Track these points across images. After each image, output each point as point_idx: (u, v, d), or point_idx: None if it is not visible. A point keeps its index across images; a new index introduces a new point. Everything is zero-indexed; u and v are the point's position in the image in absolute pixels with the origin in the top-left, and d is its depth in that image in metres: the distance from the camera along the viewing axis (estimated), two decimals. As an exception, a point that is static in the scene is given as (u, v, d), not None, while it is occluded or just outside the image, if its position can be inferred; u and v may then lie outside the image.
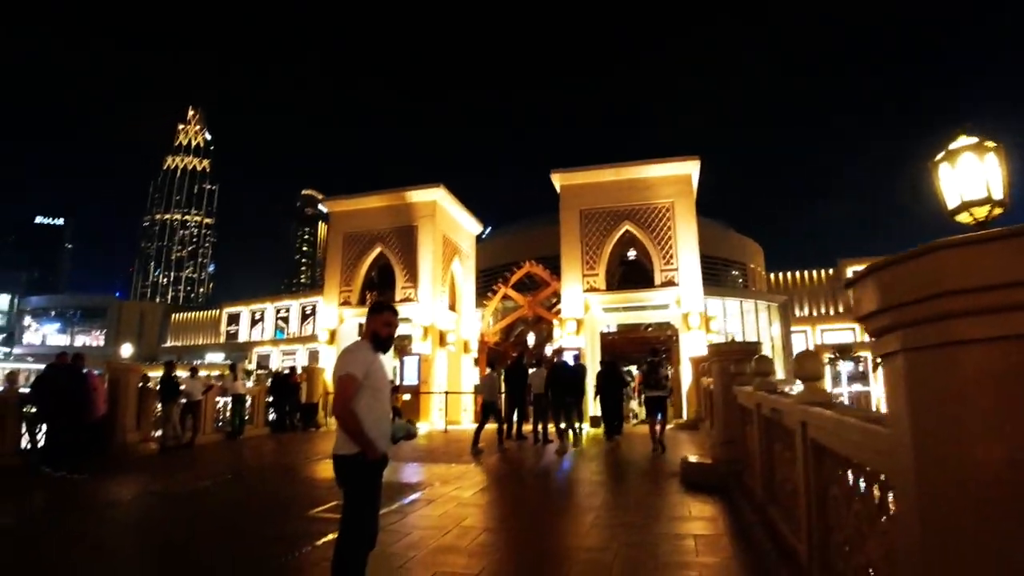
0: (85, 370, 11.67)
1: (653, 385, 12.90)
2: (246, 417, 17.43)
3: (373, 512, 3.90)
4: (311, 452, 14.09)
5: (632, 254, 21.96)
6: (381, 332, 4.06)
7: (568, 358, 18.10)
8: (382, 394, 3.97)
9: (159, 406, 14.75)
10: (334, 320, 23.09)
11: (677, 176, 21.24)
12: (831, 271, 53.77)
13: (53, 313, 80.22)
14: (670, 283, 20.41)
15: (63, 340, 72.13)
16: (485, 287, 27.23)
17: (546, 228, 33.82)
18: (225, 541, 6.61)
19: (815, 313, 51.47)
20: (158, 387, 14.71)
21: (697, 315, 19.91)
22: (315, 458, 13.05)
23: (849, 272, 52.52)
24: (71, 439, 10.59)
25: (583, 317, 20.55)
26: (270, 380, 20.28)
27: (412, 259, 22.34)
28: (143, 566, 5.80)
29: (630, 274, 22.14)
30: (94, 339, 74.22)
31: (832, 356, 41.65)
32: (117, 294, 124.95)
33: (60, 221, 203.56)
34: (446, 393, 20.46)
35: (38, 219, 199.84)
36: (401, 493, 8.68)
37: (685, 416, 18.84)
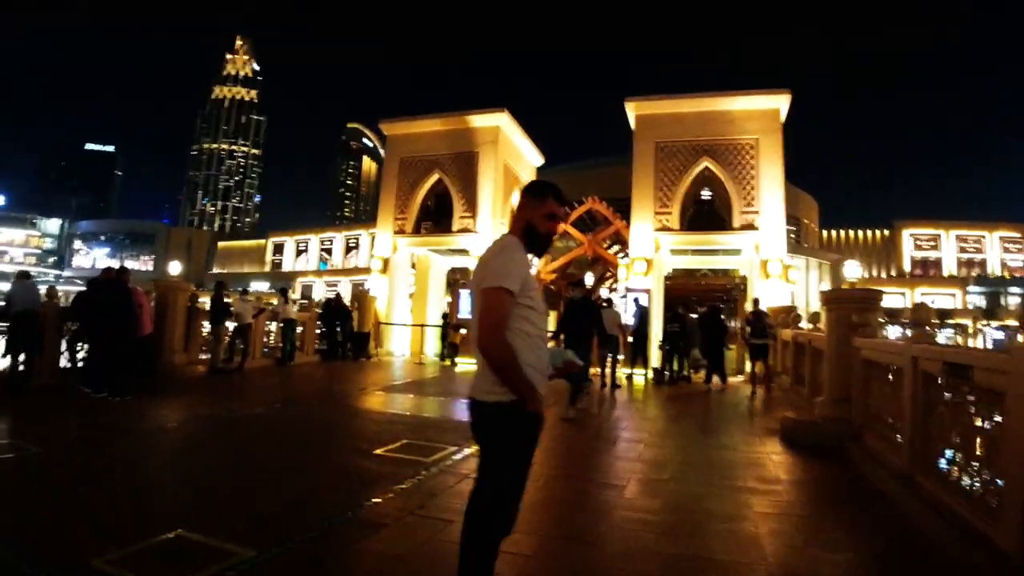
0: (132, 287, 10.77)
1: (760, 333, 13.08)
2: (296, 344, 16.68)
3: (519, 485, 2.70)
4: (365, 382, 13.20)
5: (707, 194, 20.30)
6: (540, 227, 2.82)
7: (629, 300, 17.00)
8: (541, 316, 2.75)
9: (208, 327, 14.00)
10: (388, 249, 22.00)
11: (763, 111, 19.38)
12: (886, 232, 51.30)
13: (103, 237, 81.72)
14: (749, 227, 18.81)
15: (112, 264, 73.10)
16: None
17: (609, 167, 32.17)
18: (282, 475, 5.63)
19: (868, 275, 49.24)
20: (208, 308, 13.96)
21: (778, 263, 18.35)
22: (371, 388, 12.15)
23: (905, 235, 51.53)
24: (113, 358, 9.71)
25: (652, 257, 19.14)
26: (321, 306, 19.43)
27: (472, 187, 21.02)
28: (184, 500, 4.81)
29: (699, 216, 20.46)
30: (143, 264, 75.48)
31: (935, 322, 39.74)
32: (165, 220, 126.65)
33: (111, 148, 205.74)
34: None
35: (88, 145, 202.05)
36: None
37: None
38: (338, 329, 18.23)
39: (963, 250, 51.67)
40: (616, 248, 24.84)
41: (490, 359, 2.57)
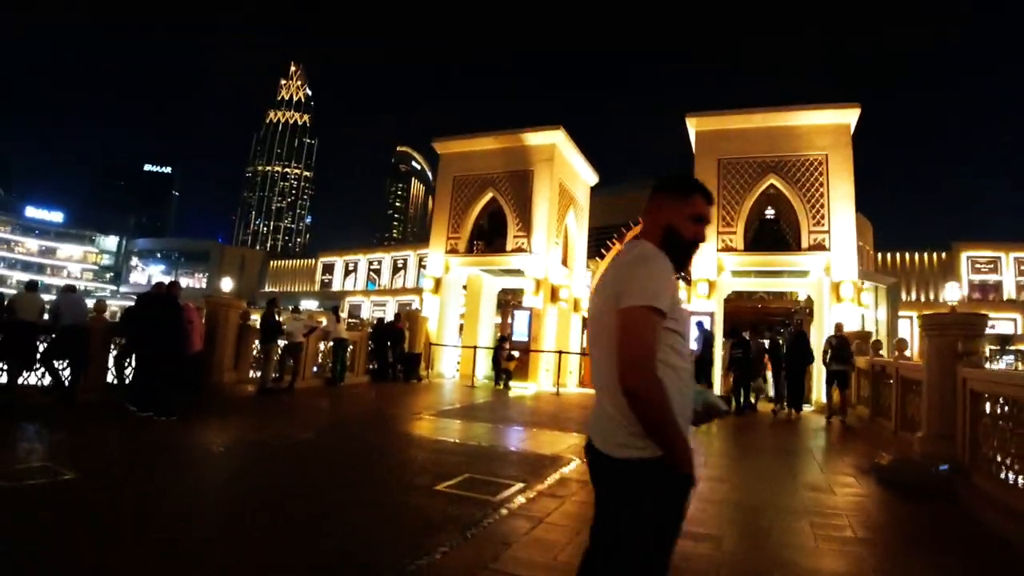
0: (183, 303, 10.49)
1: (842, 359, 12.53)
2: (347, 363, 16.28)
3: (664, 567, 2.02)
4: (418, 406, 12.66)
5: (771, 212, 19.39)
6: (684, 232, 2.22)
7: (692, 324, 16.06)
8: (686, 345, 2.11)
9: (258, 345, 13.70)
10: (440, 268, 21.56)
11: (834, 126, 18.45)
12: (944, 255, 49.15)
13: (159, 255, 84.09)
14: (819, 247, 17.83)
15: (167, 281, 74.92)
16: (595, 248, 25.08)
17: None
18: (335, 515, 5.05)
19: (925, 298, 47.33)
20: (258, 326, 13.68)
21: (850, 285, 17.30)
22: (425, 413, 11.57)
23: (963, 257, 49.25)
24: (161, 375, 9.37)
25: (715, 279, 18.28)
26: (372, 327, 19.09)
27: (526, 206, 20.46)
28: (223, 547, 4.23)
29: (762, 236, 19.55)
30: (196, 281, 77.25)
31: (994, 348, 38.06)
32: (219, 239, 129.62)
33: (168, 169, 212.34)
34: (559, 353, 18.66)
35: (147, 167, 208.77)
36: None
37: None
38: (389, 349, 17.83)
39: (1023, 273, 49.00)
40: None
41: (636, 402, 1.94)
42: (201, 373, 11.77)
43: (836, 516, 5.68)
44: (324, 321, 16.23)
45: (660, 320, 1.97)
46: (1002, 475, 5.93)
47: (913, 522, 5.76)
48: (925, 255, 50.88)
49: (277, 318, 13.61)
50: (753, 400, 14.66)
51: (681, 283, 21.35)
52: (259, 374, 13.52)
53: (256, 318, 14.65)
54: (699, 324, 15.72)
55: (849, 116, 18.43)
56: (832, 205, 17.93)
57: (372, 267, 65.26)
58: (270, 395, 12.68)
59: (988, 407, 6.45)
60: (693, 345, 15.00)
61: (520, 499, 5.68)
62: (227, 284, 27.30)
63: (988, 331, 43.47)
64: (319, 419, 10.73)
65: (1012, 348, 41.87)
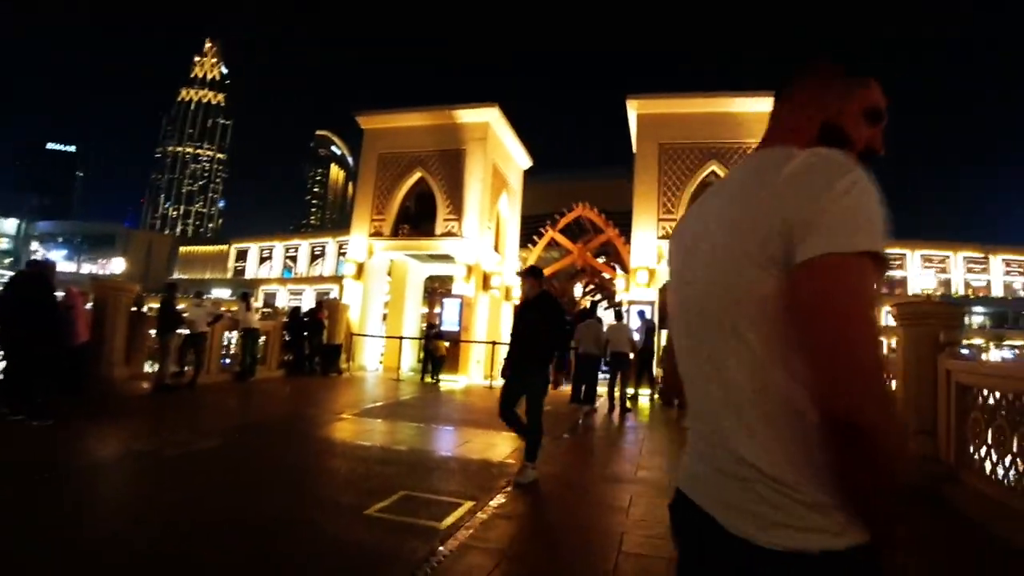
0: (67, 288, 8.80)
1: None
2: (258, 356, 14.70)
3: None
4: (338, 404, 11.31)
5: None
6: (856, 135, 1.22)
7: (634, 314, 15.22)
8: None
9: (155, 336, 11.96)
10: (363, 252, 19.92)
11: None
12: None
13: (61, 239, 78.37)
14: (760, 236, 17.40)
15: (70, 267, 69.87)
16: (526, 236, 24.04)
17: (603, 179, 30.70)
18: (242, 557, 3.77)
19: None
20: (156, 315, 11.95)
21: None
22: (347, 412, 10.21)
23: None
24: (35, 370, 7.75)
25: (655, 267, 17.57)
26: (287, 316, 17.50)
27: (458, 187, 19.16)
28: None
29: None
30: (101, 267, 72.09)
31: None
32: (127, 224, 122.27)
33: (72, 148, 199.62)
34: (491, 343, 17.55)
35: (49, 145, 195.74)
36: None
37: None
38: (307, 340, 16.29)
39: (927, 268, 52.81)
40: (602, 260, 23.34)
41: (858, 444, 0.94)
42: (87, 367, 10.03)
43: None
44: (234, 309, 14.58)
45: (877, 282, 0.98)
46: (1000, 474, 5.50)
47: (915, 528, 5.00)
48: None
49: (177, 305, 11.93)
50: None
51: (619, 270, 20.66)
52: (156, 368, 11.81)
53: (155, 306, 12.88)
54: (640, 313, 14.92)
55: (789, 104, 18.06)
56: (773, 194, 17.53)
57: (288, 254, 62.98)
58: (169, 392, 11.02)
59: (980, 401, 5.98)
60: (636, 336, 14.20)
61: (470, 525, 4.57)
62: (119, 265, 24.84)
63: (891, 323, 46.74)
64: (225, 421, 9.23)
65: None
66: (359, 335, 19.11)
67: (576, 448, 8.64)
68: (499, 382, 16.81)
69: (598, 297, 28.61)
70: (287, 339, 16.42)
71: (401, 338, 18.51)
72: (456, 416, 10.79)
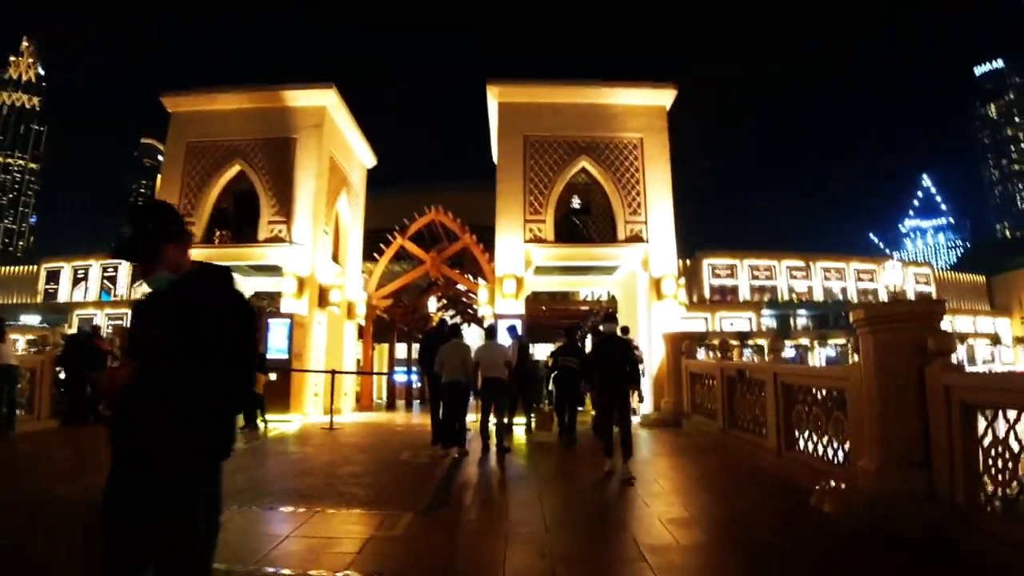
0: None
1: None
2: (19, 401, 11.18)
3: None
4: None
5: (576, 202, 16.73)
6: None
7: (503, 330, 12.66)
8: None
9: None
10: (165, 264, 16.01)
11: (648, 106, 16.53)
12: (688, 262, 54.84)
13: None
14: (636, 238, 15.58)
15: None
16: (369, 250, 20.65)
17: (457, 191, 27.85)
18: None
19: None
20: None
21: (672, 281, 15.19)
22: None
23: (705, 264, 56.71)
24: None
25: (523, 275, 15.20)
26: (63, 345, 13.52)
27: (287, 184, 15.70)
28: None
29: (570, 227, 16.74)
30: None
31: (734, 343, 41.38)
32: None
33: None
34: (332, 373, 14.20)
35: None
36: None
37: (651, 408, 14.28)
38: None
39: (755, 277, 58.32)
40: (457, 271, 20.78)
41: None
42: None
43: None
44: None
45: None
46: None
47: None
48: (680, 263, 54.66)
49: None
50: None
51: (481, 280, 18.17)
52: None
53: None
54: (511, 329, 12.46)
55: (665, 98, 16.64)
56: (648, 193, 15.91)
57: (107, 274, 55.54)
58: None
59: (996, 426, 4.75)
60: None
61: None
62: None
63: (727, 328, 49.05)
64: None
65: (751, 343, 46.26)
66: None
67: (440, 542, 5.62)
68: (340, 417, 13.84)
69: (451, 312, 26.05)
70: (63, 377, 12.49)
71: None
72: (293, 483, 7.55)
